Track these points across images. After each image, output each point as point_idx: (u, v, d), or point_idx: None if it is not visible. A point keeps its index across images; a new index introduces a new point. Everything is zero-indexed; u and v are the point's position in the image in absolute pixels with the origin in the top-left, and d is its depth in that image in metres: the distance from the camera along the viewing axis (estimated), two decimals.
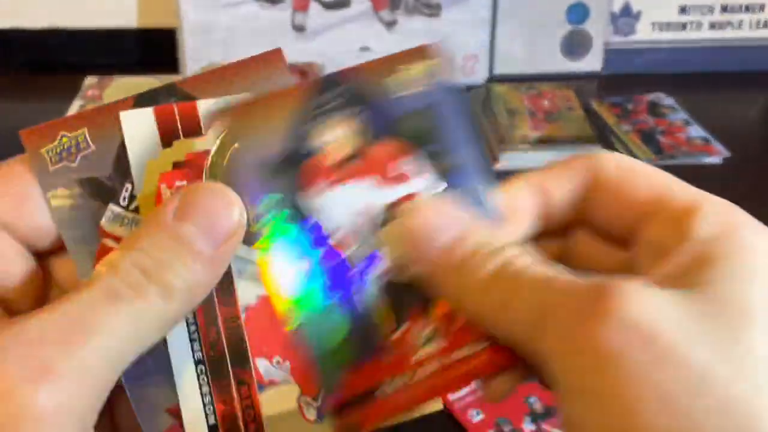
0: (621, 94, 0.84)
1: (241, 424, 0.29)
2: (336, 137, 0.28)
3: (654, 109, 0.83)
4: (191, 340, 0.29)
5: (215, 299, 0.29)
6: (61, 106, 0.80)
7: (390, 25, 0.80)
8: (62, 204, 0.29)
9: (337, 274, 0.28)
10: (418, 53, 0.29)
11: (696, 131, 0.79)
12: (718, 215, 0.24)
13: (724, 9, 0.84)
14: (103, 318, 0.24)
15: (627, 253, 0.27)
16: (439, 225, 0.27)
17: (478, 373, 0.27)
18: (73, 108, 0.80)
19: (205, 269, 0.26)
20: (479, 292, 0.25)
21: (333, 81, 0.29)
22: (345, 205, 0.28)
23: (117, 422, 0.31)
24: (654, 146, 0.77)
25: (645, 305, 0.22)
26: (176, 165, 0.29)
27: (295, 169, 0.28)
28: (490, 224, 0.27)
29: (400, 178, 0.29)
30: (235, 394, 0.29)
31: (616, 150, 0.73)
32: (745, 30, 0.85)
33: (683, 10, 0.84)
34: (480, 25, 0.81)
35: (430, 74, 0.29)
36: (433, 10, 0.80)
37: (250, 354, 0.29)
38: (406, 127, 0.29)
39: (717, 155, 0.76)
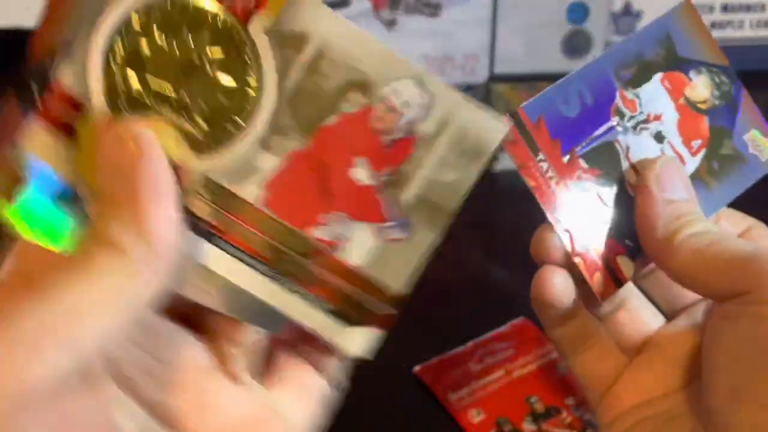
0: None
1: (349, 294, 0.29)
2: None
3: None
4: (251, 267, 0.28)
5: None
6: None
7: (390, 24, 0.80)
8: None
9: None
10: None
11: None
12: None
13: (725, 8, 0.84)
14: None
15: None
16: (679, 183, 0.33)
17: None
18: None
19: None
20: (688, 250, 0.31)
21: None
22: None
23: None
24: None
25: None
26: None
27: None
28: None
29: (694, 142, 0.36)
30: (322, 256, 0.29)
31: None
32: (745, 30, 0.85)
33: None
34: (480, 25, 0.81)
35: None
36: (433, 10, 0.80)
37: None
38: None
39: None
